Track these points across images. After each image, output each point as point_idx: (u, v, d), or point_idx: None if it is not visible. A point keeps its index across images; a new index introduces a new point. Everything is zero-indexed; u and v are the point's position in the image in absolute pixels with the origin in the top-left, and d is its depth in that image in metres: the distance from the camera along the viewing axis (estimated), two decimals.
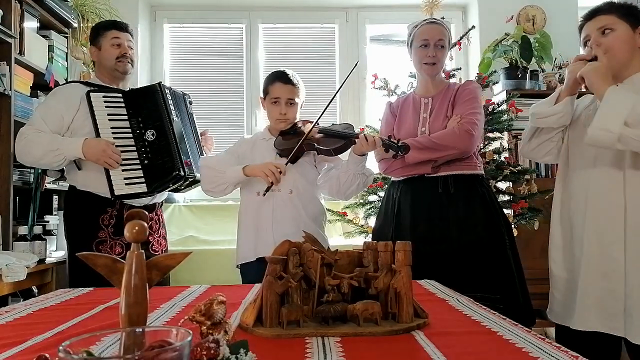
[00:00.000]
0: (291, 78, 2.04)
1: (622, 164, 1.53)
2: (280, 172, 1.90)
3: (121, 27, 2.20)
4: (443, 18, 2.14)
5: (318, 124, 2.04)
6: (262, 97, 2.11)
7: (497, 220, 1.94)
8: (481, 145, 2.84)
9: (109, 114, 2.07)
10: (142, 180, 2.05)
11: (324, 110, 2.00)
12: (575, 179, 1.66)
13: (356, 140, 1.91)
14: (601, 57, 1.56)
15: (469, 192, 1.94)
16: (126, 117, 2.10)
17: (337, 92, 2.12)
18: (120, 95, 2.13)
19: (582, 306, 1.56)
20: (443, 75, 2.29)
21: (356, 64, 2.16)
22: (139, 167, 2.06)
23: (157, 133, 2.07)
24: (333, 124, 2.16)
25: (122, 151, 2.03)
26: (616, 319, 1.49)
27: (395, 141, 1.83)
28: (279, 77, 2.04)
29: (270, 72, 2.11)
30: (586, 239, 1.58)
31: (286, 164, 1.94)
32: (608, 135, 1.42)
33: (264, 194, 1.93)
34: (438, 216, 1.90)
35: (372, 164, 2.09)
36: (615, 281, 1.50)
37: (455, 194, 1.92)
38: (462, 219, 1.89)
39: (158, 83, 2.17)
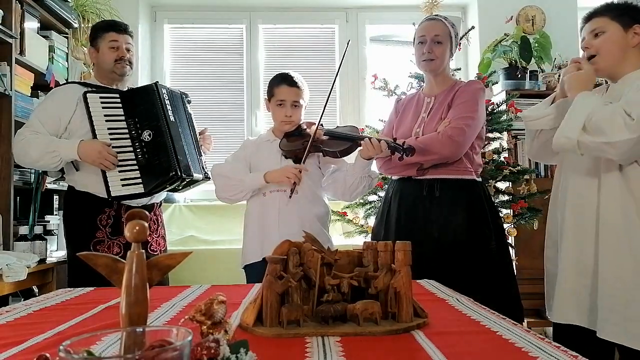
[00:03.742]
0: (296, 80, 2.05)
1: (599, 166, 1.58)
2: (300, 171, 1.92)
3: (119, 28, 2.18)
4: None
5: (322, 126, 2.05)
6: (267, 98, 2.12)
7: (482, 224, 1.92)
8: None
9: (105, 115, 2.07)
10: (139, 180, 2.04)
11: (324, 110, 2.01)
12: (563, 179, 1.71)
13: (361, 142, 1.91)
14: (584, 63, 1.61)
15: (454, 195, 1.92)
16: (123, 118, 2.09)
17: (331, 89, 2.07)
18: (117, 95, 2.12)
19: (559, 299, 1.63)
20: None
21: (348, 42, 2.17)
22: (136, 167, 2.05)
23: (153, 133, 2.06)
24: (338, 127, 2.17)
25: (118, 152, 2.02)
26: (590, 313, 1.54)
27: (401, 144, 1.83)
28: (285, 80, 2.05)
29: (275, 74, 2.11)
30: (564, 235, 1.64)
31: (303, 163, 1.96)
32: (568, 142, 1.48)
33: (290, 196, 1.95)
34: (421, 217, 1.90)
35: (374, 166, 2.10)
36: (588, 277, 1.56)
37: (439, 197, 1.91)
38: (443, 221, 1.88)
39: (155, 83, 2.16)
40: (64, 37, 2.99)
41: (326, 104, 2.03)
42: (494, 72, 3.48)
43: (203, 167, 2.22)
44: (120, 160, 2.02)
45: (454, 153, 1.89)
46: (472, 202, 1.93)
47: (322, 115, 2.03)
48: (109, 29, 2.18)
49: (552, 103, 1.70)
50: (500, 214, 2.18)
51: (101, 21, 2.55)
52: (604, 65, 1.61)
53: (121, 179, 2.02)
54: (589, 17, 1.67)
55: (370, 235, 2.57)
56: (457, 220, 1.89)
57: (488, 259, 1.89)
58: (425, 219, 1.90)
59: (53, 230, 2.67)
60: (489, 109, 2.94)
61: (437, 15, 2.09)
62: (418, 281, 1.47)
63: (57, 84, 2.69)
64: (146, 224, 0.72)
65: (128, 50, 2.18)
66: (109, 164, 1.99)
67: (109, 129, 2.06)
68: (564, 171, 1.73)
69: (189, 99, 2.34)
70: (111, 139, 2.04)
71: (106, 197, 2.01)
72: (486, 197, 2.02)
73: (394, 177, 2.06)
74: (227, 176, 2.03)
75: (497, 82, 3.50)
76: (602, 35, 1.61)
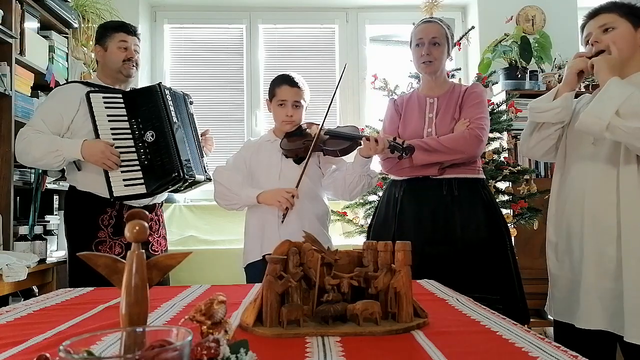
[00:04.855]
0: (297, 81, 2.07)
1: (616, 162, 1.53)
2: (293, 196, 1.93)
3: (130, 30, 2.20)
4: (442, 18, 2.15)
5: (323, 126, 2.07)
6: (268, 99, 2.13)
7: (498, 223, 1.96)
8: None
9: (108, 115, 2.07)
10: (141, 181, 2.04)
11: (326, 116, 2.03)
12: (572, 178, 1.66)
13: (361, 142, 1.92)
14: (613, 50, 1.56)
15: (472, 194, 1.95)
16: (126, 118, 2.10)
17: (333, 96, 2.12)
18: (120, 95, 2.12)
19: (585, 305, 1.55)
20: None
21: (345, 66, 2.20)
22: (138, 168, 2.06)
23: (156, 134, 2.07)
24: (338, 126, 2.18)
25: (121, 152, 2.03)
26: (616, 317, 1.49)
27: (401, 142, 1.85)
28: (286, 80, 2.07)
29: (276, 75, 2.13)
30: (585, 238, 1.58)
31: (305, 166, 1.97)
32: (598, 123, 1.43)
33: (282, 221, 1.96)
34: (443, 217, 1.91)
35: (375, 164, 2.10)
36: (613, 280, 1.50)
37: (458, 196, 1.93)
38: (465, 220, 1.90)
39: (158, 84, 2.16)
40: (64, 37, 2.99)
41: (328, 110, 2.05)
42: (494, 72, 3.48)
43: (205, 168, 2.22)
44: (122, 161, 2.03)
45: (479, 151, 1.96)
46: (487, 200, 1.97)
47: (324, 120, 2.03)
48: (119, 29, 2.18)
49: (555, 96, 1.66)
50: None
51: (111, 21, 2.55)
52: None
53: (124, 179, 2.03)
54: (594, 13, 1.65)
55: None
56: (478, 218, 1.92)
57: (505, 257, 1.92)
58: (447, 218, 1.91)
59: (53, 230, 2.67)
60: (488, 109, 2.94)
61: (432, 18, 2.13)
62: (418, 281, 1.47)
63: (57, 84, 2.69)
64: (146, 224, 0.72)
65: (136, 52, 2.20)
66: (112, 164, 1.99)
67: (111, 129, 2.06)
68: (571, 171, 1.67)
69: (191, 100, 2.35)
70: (114, 139, 2.04)
71: (108, 197, 2.01)
72: (493, 195, 2.06)
73: (401, 178, 2.03)
74: (224, 186, 2.04)
75: (497, 82, 3.51)
76: (612, 31, 1.59)
